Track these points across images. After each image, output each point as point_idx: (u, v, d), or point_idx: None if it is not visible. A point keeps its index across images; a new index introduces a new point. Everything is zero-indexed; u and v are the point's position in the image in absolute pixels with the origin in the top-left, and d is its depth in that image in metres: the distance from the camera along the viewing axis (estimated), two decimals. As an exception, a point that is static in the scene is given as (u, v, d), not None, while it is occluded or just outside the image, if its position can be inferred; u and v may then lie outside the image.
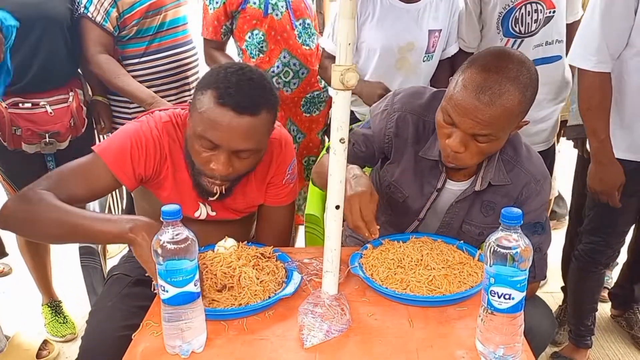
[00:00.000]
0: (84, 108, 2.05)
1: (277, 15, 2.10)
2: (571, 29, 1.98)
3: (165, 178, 1.34)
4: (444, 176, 1.40)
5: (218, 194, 1.29)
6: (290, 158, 1.46)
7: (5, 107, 1.86)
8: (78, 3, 1.97)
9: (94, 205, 1.89)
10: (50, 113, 1.92)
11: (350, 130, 1.51)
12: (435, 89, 1.45)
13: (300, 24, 2.16)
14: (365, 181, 1.25)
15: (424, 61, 2.04)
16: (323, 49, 2.08)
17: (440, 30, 2.02)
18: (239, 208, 1.43)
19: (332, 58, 1.94)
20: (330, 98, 2.36)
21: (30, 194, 1.19)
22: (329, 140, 2.28)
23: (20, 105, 1.89)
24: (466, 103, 1.18)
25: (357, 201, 1.21)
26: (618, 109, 1.72)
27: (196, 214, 1.40)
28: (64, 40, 1.94)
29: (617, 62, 1.68)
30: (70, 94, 1.99)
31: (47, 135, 1.92)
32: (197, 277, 1.00)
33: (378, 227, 1.22)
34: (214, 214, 1.41)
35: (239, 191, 1.39)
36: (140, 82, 2.04)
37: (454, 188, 1.42)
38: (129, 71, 2.05)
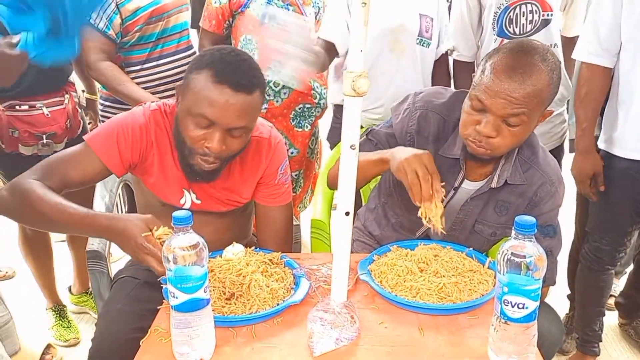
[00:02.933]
0: (79, 110, 2.07)
1: (272, 27, 2.09)
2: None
3: (151, 164, 1.37)
4: (462, 175, 1.40)
5: (209, 170, 1.31)
6: (282, 159, 1.47)
7: (2, 109, 1.86)
8: None
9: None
10: (47, 115, 1.93)
11: (372, 130, 1.51)
12: (455, 90, 1.47)
13: None
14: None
15: (417, 44, 2.03)
16: (319, 38, 2.00)
17: (433, 18, 2.04)
18: (221, 198, 1.43)
19: (329, 45, 1.95)
20: (320, 114, 2.34)
21: (21, 184, 1.23)
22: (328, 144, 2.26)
23: (17, 107, 1.89)
24: (498, 84, 1.20)
25: (419, 160, 1.25)
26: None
27: (181, 202, 1.41)
28: None
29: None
30: (66, 96, 2.00)
31: (44, 136, 1.92)
32: (206, 283, 0.99)
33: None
34: (198, 202, 1.42)
35: (219, 182, 1.40)
36: (143, 88, 2.03)
37: (470, 188, 1.42)
38: (131, 78, 2.04)
